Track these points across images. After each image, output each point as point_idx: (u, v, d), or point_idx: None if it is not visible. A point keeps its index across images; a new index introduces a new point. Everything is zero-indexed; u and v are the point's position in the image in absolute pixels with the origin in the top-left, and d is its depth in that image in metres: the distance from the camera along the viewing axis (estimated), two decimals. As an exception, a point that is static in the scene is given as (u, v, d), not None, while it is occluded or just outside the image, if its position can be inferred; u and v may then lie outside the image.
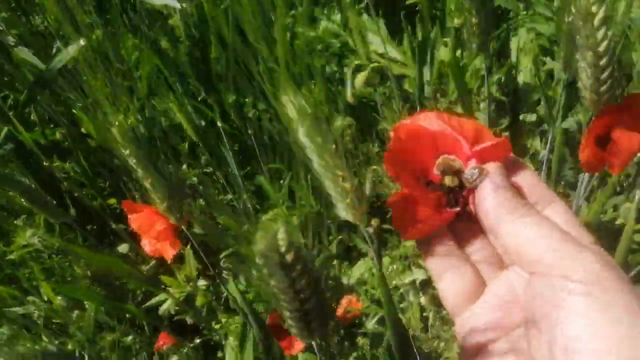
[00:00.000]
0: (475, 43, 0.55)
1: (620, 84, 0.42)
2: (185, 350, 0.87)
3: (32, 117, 1.05)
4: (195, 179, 1.05)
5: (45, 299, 0.92)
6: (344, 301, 0.85)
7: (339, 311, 0.84)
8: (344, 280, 0.86)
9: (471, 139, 0.28)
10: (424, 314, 0.74)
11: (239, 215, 0.95)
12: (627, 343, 0.22)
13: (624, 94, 0.43)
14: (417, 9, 0.85)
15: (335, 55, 1.01)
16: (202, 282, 0.81)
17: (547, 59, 0.84)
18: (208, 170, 1.06)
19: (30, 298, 0.93)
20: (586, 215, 0.65)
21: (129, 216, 0.60)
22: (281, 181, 0.98)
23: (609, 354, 0.22)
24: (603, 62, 0.40)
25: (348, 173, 0.34)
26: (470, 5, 0.52)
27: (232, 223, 0.79)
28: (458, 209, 0.28)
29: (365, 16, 0.91)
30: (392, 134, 0.29)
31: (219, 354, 0.93)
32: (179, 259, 0.78)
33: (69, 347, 0.96)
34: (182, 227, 0.49)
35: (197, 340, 0.94)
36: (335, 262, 0.96)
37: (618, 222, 0.72)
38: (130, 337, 0.95)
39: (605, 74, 0.41)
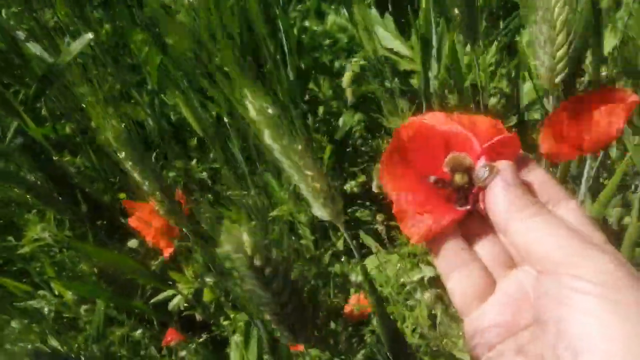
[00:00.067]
0: (462, 35, 0.54)
1: (577, 64, 0.42)
2: (193, 346, 0.87)
3: (42, 112, 1.06)
4: (204, 173, 1.05)
5: (56, 293, 0.92)
6: (352, 299, 0.85)
7: (347, 309, 0.84)
8: (352, 278, 0.86)
9: (485, 137, 0.28)
10: (433, 312, 0.73)
11: (247, 211, 0.95)
12: (637, 341, 0.22)
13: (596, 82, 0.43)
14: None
15: (344, 50, 1.00)
16: (209, 279, 0.81)
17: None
18: (216, 166, 1.06)
19: (40, 292, 0.93)
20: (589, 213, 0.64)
21: (129, 215, 0.61)
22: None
23: (619, 354, 0.22)
24: (560, 38, 0.40)
25: (317, 172, 0.34)
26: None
27: (239, 219, 0.79)
28: (468, 207, 0.28)
29: (373, 10, 0.90)
30: (394, 134, 0.28)
31: (228, 350, 0.93)
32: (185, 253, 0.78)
33: (79, 340, 0.97)
34: (181, 226, 0.49)
35: (205, 336, 0.94)
36: (343, 258, 0.96)
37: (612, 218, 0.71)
38: (139, 332, 0.96)
39: (561, 51, 0.41)
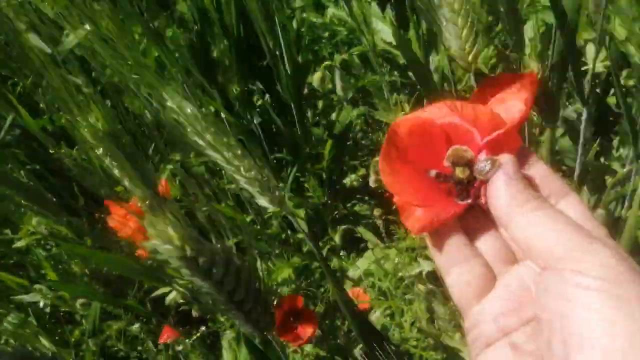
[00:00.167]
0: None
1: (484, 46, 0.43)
2: (190, 342, 0.87)
3: (41, 105, 1.05)
4: (202, 167, 1.05)
5: (52, 287, 0.92)
6: (351, 293, 0.85)
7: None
8: (350, 273, 0.86)
9: (487, 129, 0.28)
10: (432, 305, 0.74)
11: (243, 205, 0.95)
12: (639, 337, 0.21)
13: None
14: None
15: (343, 43, 1.00)
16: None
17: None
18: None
19: (37, 286, 0.93)
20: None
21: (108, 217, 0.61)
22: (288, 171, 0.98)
23: (622, 350, 0.21)
24: (460, 20, 0.42)
25: (248, 161, 0.34)
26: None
27: (236, 214, 0.79)
28: (470, 201, 0.28)
29: (374, 4, 0.90)
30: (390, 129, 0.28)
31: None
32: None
33: (76, 334, 0.97)
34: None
35: (202, 328, 0.94)
36: (341, 253, 0.96)
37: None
38: (136, 326, 0.96)
39: (465, 31, 0.42)
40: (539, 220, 0.25)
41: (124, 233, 0.60)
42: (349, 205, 1.04)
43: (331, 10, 0.96)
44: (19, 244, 0.94)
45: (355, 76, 1.03)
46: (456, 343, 0.63)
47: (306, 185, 1.00)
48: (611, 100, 0.90)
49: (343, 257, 0.94)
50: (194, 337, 0.90)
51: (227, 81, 0.90)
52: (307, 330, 0.77)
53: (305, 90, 1.06)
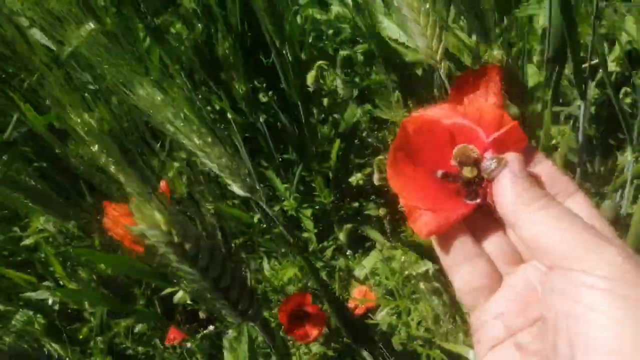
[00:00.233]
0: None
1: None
2: (195, 342, 0.88)
3: (47, 102, 1.05)
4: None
5: (61, 284, 0.93)
6: (357, 292, 0.84)
7: (352, 303, 0.83)
8: (356, 272, 0.86)
9: (491, 128, 0.27)
10: (437, 303, 0.73)
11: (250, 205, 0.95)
12: None
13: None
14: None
15: (348, 41, 0.99)
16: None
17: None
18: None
19: (45, 283, 0.94)
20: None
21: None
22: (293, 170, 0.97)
23: (629, 352, 0.21)
24: (421, 19, 0.44)
25: (218, 148, 0.35)
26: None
27: (242, 214, 0.79)
28: (478, 200, 0.27)
29: (379, 1, 0.89)
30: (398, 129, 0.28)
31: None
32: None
33: (84, 331, 0.97)
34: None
35: (211, 327, 0.94)
36: (348, 252, 0.96)
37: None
38: (143, 324, 0.96)
39: (428, 29, 0.44)
40: (545, 219, 0.25)
41: (117, 233, 0.60)
42: (355, 204, 1.03)
43: (335, 8, 0.95)
44: (27, 241, 0.94)
45: (360, 74, 1.03)
46: (458, 344, 0.62)
47: (313, 184, 1.00)
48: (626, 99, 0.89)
49: (349, 256, 0.94)
50: (200, 337, 0.90)
51: (231, 79, 0.90)
52: (314, 329, 0.77)
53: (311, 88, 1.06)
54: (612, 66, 0.79)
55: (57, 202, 0.65)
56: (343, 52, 0.99)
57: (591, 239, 0.24)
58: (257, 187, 0.39)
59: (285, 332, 0.79)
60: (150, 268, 0.62)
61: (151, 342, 0.96)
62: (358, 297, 0.83)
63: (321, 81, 1.07)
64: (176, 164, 1.02)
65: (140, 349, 0.96)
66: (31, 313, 0.90)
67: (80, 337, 0.97)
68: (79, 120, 0.40)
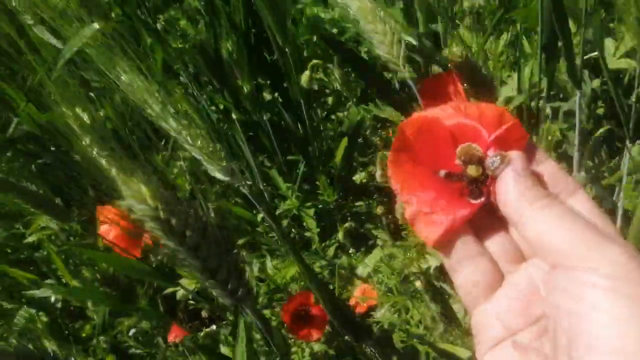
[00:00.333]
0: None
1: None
2: (199, 342, 0.88)
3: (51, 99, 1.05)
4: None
5: (64, 281, 0.93)
6: (359, 290, 0.84)
7: (353, 301, 0.83)
8: (359, 271, 0.86)
9: (493, 126, 0.27)
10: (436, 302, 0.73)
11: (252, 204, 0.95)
12: None
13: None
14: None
15: (354, 40, 0.99)
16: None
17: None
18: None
19: (48, 281, 0.94)
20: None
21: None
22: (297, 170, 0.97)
23: (632, 352, 0.21)
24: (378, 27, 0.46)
25: (194, 131, 0.36)
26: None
27: (245, 212, 0.79)
28: (483, 198, 0.27)
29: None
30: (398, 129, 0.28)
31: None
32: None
33: (87, 330, 0.98)
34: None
35: (213, 326, 0.94)
36: (351, 251, 0.95)
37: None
38: (146, 323, 0.96)
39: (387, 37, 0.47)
40: (548, 218, 0.25)
41: (108, 237, 0.61)
42: (359, 203, 1.03)
43: (340, 7, 0.95)
44: (30, 239, 0.94)
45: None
46: (454, 345, 0.62)
47: (316, 182, 1.00)
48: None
49: (352, 255, 0.94)
50: (203, 335, 0.90)
51: (234, 77, 0.89)
52: (317, 329, 0.77)
53: (316, 87, 1.06)
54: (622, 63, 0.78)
55: (57, 205, 0.65)
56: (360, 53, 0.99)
57: (593, 238, 0.24)
58: (237, 171, 0.40)
59: (287, 331, 0.79)
60: (150, 268, 0.62)
61: (154, 341, 0.96)
62: (359, 296, 0.83)
63: (325, 79, 1.07)
64: (180, 163, 1.02)
65: (142, 347, 0.96)
66: (33, 311, 0.91)
67: (83, 335, 0.97)
68: (81, 116, 0.40)
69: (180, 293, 0.90)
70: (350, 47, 0.71)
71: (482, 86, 0.53)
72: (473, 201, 0.27)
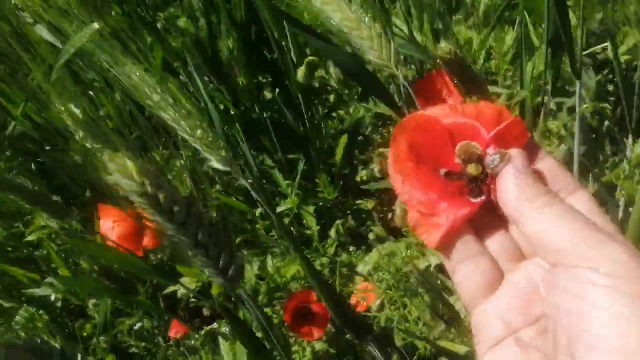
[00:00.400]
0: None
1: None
2: (200, 341, 0.88)
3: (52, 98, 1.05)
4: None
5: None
6: (359, 288, 0.84)
7: (354, 299, 0.83)
8: (359, 269, 0.86)
9: (492, 124, 0.27)
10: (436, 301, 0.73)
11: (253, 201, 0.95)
12: None
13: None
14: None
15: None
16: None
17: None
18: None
19: (48, 280, 0.94)
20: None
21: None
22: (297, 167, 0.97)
23: (634, 351, 0.21)
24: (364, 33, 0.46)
25: (192, 121, 0.38)
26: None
27: (242, 205, 0.79)
28: (483, 197, 0.27)
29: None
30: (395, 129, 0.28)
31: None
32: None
33: (87, 329, 0.98)
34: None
35: (214, 325, 0.94)
36: (351, 249, 0.95)
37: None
38: (147, 322, 0.96)
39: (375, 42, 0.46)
40: (549, 216, 0.25)
41: (110, 238, 0.61)
42: (359, 201, 1.03)
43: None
44: (30, 237, 0.94)
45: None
46: (452, 342, 0.62)
47: (316, 180, 1.00)
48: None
49: (352, 253, 0.94)
50: (204, 333, 0.90)
51: (234, 74, 0.89)
52: (319, 328, 0.77)
53: (317, 84, 1.06)
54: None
55: (57, 204, 0.65)
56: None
57: (593, 236, 0.23)
58: (235, 162, 0.41)
59: (288, 330, 0.79)
60: (150, 266, 0.62)
61: (154, 340, 0.96)
62: (359, 292, 0.83)
63: (327, 77, 1.06)
64: (179, 162, 1.02)
65: (143, 345, 0.96)
66: (34, 310, 0.91)
67: (84, 334, 0.97)
68: (77, 114, 0.40)
69: (181, 292, 0.90)
70: (344, 51, 0.71)
71: (471, 83, 0.53)
72: (473, 200, 0.27)
